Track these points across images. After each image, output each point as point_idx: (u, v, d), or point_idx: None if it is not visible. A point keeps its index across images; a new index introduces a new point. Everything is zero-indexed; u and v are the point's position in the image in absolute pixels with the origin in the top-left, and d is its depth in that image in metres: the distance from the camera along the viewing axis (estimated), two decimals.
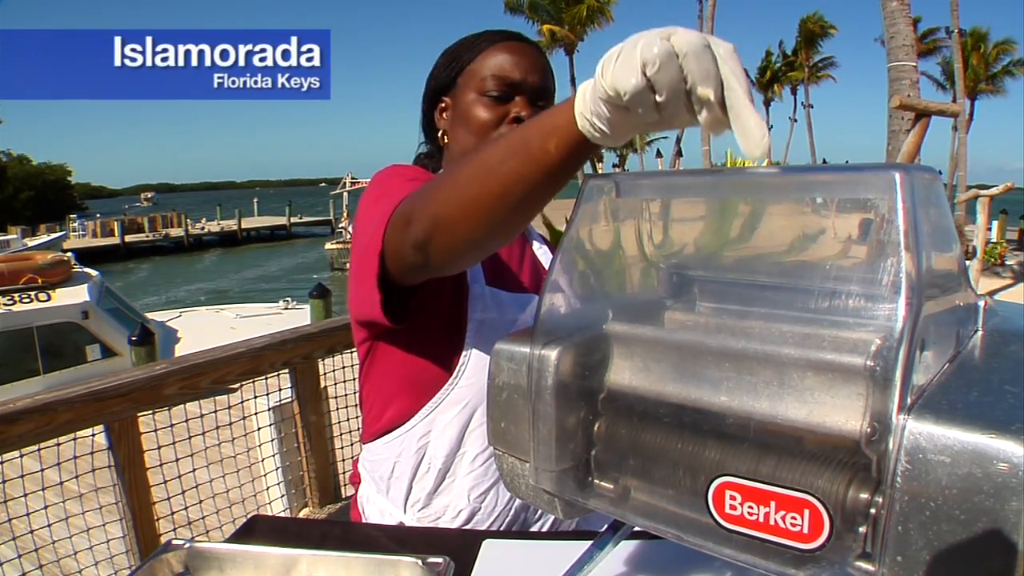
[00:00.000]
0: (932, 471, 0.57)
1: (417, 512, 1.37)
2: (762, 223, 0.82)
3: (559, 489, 0.83)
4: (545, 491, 0.84)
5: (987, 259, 15.81)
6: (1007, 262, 17.47)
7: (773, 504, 0.65)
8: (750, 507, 0.66)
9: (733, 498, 0.67)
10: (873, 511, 0.62)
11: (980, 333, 0.79)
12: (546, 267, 1.48)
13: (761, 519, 0.66)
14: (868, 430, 0.63)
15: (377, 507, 1.43)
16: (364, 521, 1.44)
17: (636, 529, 0.99)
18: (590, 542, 0.97)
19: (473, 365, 1.29)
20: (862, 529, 0.63)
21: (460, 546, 0.96)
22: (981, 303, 0.81)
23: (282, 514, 3.30)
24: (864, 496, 0.62)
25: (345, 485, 3.22)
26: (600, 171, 0.89)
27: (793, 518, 0.64)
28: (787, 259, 0.80)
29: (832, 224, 0.73)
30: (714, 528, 0.69)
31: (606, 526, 0.98)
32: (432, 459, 1.34)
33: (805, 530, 0.64)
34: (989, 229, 16.17)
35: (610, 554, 0.97)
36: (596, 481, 0.83)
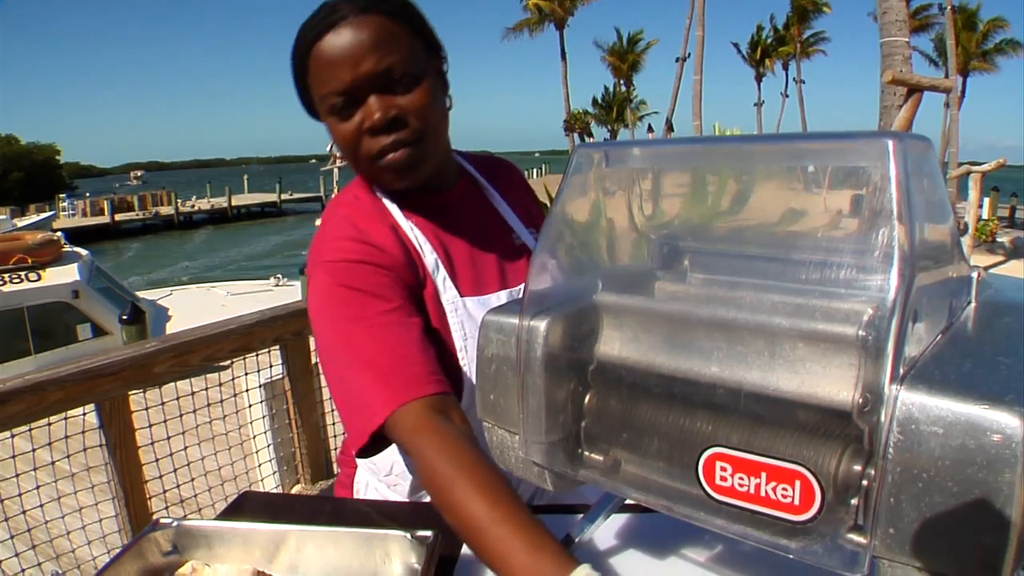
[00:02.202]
0: (925, 442, 0.56)
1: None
2: (754, 195, 0.81)
3: (549, 461, 0.82)
4: (535, 463, 0.84)
5: (978, 236, 15.82)
6: (998, 239, 17.49)
7: (764, 475, 0.64)
8: (741, 478, 0.65)
9: (724, 469, 0.66)
10: (865, 483, 0.61)
11: (973, 305, 0.78)
12: (521, 239, 1.39)
13: (752, 490, 0.65)
14: (860, 401, 0.62)
15: (381, 495, 1.39)
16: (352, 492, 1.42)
17: (627, 502, 0.99)
18: (580, 515, 0.97)
19: (470, 382, 1.20)
20: (854, 501, 0.62)
21: None
22: (974, 274, 0.80)
23: (274, 491, 3.30)
24: (856, 468, 0.62)
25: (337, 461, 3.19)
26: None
27: (784, 489, 0.63)
28: (778, 230, 0.79)
29: (823, 196, 0.72)
30: (705, 500, 0.68)
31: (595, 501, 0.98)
32: None
33: (796, 501, 0.63)
34: (980, 206, 16.18)
35: (600, 527, 0.97)
36: (586, 453, 0.82)
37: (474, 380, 1.08)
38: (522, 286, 1.26)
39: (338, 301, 1.15)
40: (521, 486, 1.37)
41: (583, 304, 0.81)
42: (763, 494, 0.65)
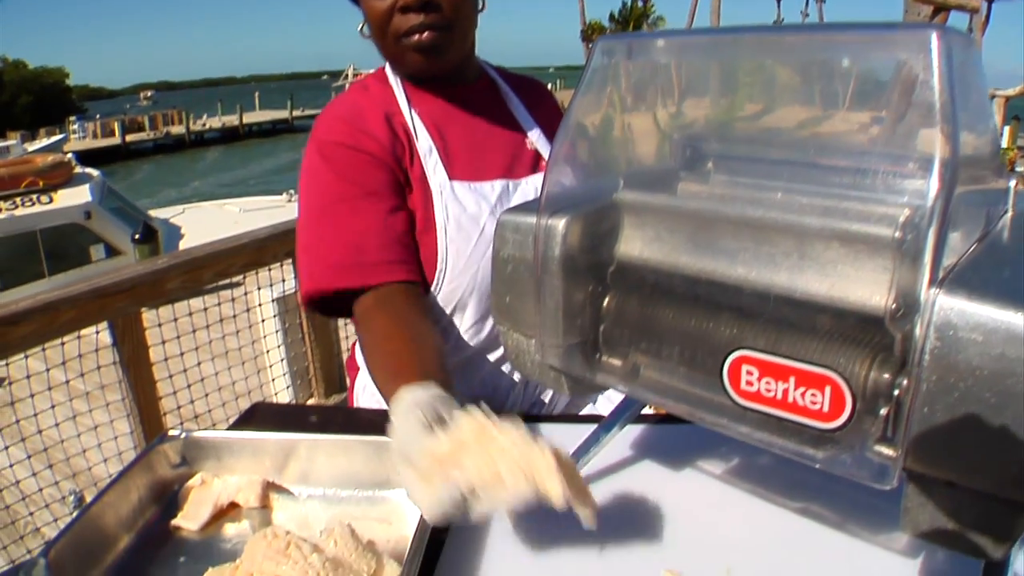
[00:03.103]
0: (963, 350, 0.53)
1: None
2: (784, 93, 0.76)
3: (566, 365, 0.80)
4: (551, 368, 0.81)
5: None
6: (1017, 168, 17.23)
7: (792, 380, 0.61)
8: (768, 383, 0.63)
9: (750, 373, 0.64)
10: (896, 392, 0.58)
11: (1010, 214, 0.74)
12: (534, 145, 1.39)
13: (779, 396, 0.62)
14: (893, 306, 0.59)
15: (376, 398, 1.41)
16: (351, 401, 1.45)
17: (644, 412, 0.97)
18: (596, 425, 0.95)
19: (452, 266, 1.24)
20: (883, 411, 0.60)
21: None
22: (1012, 183, 0.76)
23: None
24: (887, 376, 0.59)
25: None
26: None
27: (813, 395, 0.61)
28: (809, 132, 0.75)
29: (855, 93, 0.68)
30: (729, 405, 0.66)
31: (612, 410, 0.96)
32: None
33: (825, 408, 0.60)
34: (1001, 134, 15.93)
35: (616, 437, 0.95)
36: (604, 358, 0.79)
37: (451, 260, 1.20)
38: (522, 180, 1.31)
39: (319, 178, 1.25)
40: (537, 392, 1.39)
41: (603, 203, 0.78)
42: (790, 400, 0.62)
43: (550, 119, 1.44)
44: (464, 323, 1.28)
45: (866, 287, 0.61)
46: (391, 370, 0.99)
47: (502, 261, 0.82)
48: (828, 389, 0.60)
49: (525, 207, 0.81)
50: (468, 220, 1.24)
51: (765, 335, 0.65)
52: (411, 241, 1.24)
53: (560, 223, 0.75)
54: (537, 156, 1.36)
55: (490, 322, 1.28)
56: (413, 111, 1.30)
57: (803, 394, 0.61)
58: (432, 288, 1.25)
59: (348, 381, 1.54)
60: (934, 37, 0.57)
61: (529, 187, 1.31)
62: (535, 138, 1.38)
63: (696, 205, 0.76)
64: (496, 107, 1.40)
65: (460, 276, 1.24)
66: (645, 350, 0.76)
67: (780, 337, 0.64)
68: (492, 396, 1.35)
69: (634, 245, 0.77)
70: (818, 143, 0.74)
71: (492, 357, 1.33)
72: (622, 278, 0.78)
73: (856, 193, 0.65)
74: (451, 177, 1.26)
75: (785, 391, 0.62)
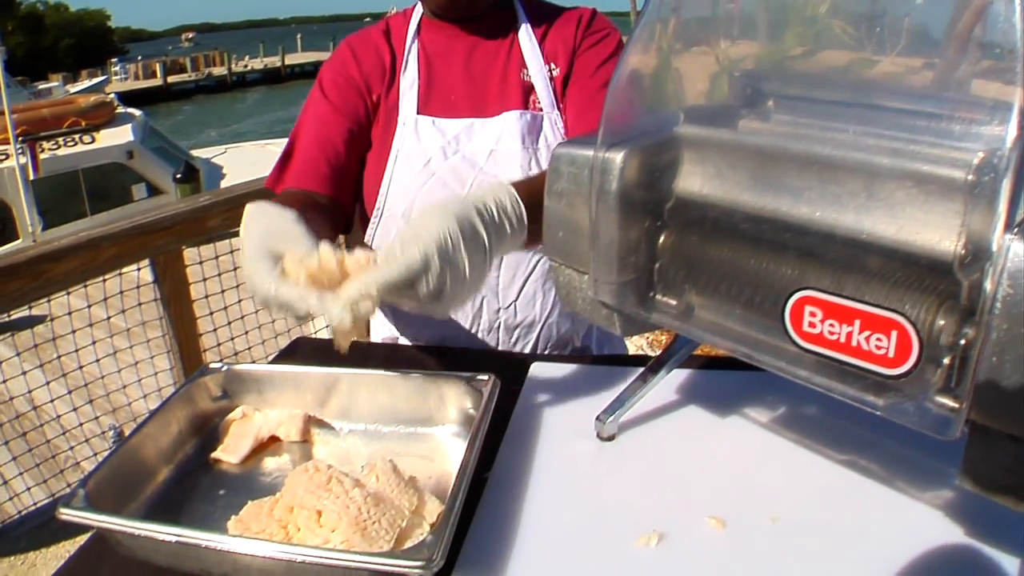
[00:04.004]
0: None
1: (391, 328, 1.43)
2: (848, 35, 0.73)
3: (619, 303, 0.78)
4: (603, 304, 0.80)
5: None
6: None
7: (858, 323, 0.59)
8: (831, 325, 0.60)
9: (813, 314, 0.61)
10: (963, 342, 0.56)
11: None
12: (531, 78, 1.34)
13: (843, 339, 0.60)
14: (963, 251, 0.56)
15: (382, 320, 1.47)
16: (368, 336, 1.49)
17: (695, 352, 0.95)
18: (642, 368, 0.94)
19: (392, 196, 1.30)
20: (946, 360, 0.57)
21: (507, 367, 0.93)
22: None
23: None
24: (952, 325, 0.57)
25: None
26: None
27: (879, 339, 0.58)
28: (875, 73, 0.72)
29: (920, 32, 0.65)
30: (789, 348, 0.64)
31: (659, 353, 0.94)
32: None
33: (891, 354, 0.58)
34: None
35: (662, 382, 0.94)
36: (659, 296, 0.78)
37: (393, 186, 1.28)
38: (495, 117, 1.31)
39: (314, 87, 1.38)
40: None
41: (662, 137, 0.75)
42: (854, 344, 0.60)
43: (564, 35, 1.37)
44: None
45: (934, 231, 0.59)
46: None
47: (555, 194, 0.80)
48: (895, 334, 0.58)
49: (582, 140, 0.79)
50: (418, 152, 1.28)
51: (830, 276, 0.62)
52: (348, 163, 1.32)
53: (618, 156, 0.73)
54: (529, 91, 1.33)
55: None
56: (415, 44, 1.35)
57: (868, 338, 0.59)
58: (373, 215, 1.32)
59: None
60: None
61: (496, 124, 1.29)
62: (535, 71, 1.33)
63: (760, 141, 0.73)
64: (501, 42, 1.36)
65: (397, 203, 1.29)
66: (701, 289, 0.74)
67: (845, 279, 0.62)
68: (457, 337, 1.36)
69: (693, 181, 0.75)
70: (883, 84, 0.71)
71: None
72: (680, 215, 0.76)
73: (925, 137, 0.61)
74: (420, 111, 1.31)
75: (849, 334, 0.60)
